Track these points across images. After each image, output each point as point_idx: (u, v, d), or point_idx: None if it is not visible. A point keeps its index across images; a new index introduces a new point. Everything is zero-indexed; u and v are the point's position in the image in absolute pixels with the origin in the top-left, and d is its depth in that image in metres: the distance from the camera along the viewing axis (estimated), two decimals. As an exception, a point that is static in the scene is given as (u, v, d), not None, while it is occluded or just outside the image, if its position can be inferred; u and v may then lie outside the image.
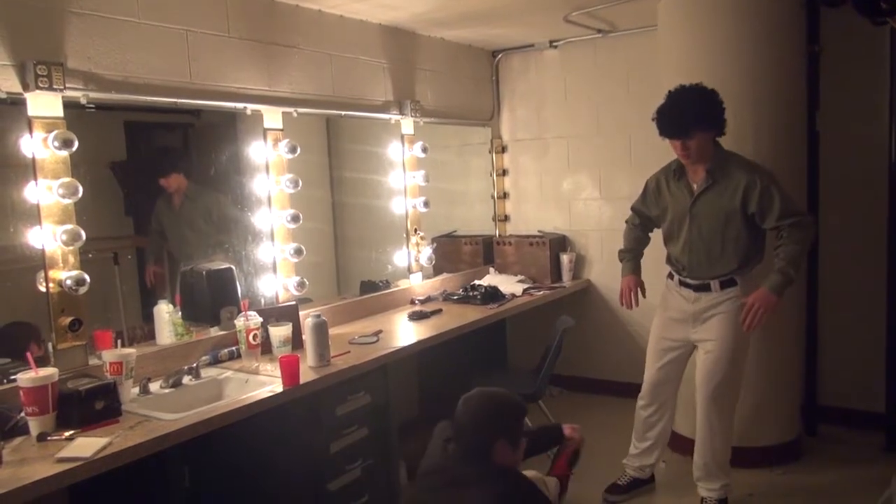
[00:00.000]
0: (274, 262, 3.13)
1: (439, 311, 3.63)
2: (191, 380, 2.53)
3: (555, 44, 4.43)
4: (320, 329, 2.63)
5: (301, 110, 3.23)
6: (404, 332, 3.26)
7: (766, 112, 3.30)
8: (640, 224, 3.25)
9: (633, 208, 3.27)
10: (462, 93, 4.46)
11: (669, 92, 2.85)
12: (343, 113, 3.54)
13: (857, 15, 3.18)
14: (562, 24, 3.91)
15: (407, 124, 3.92)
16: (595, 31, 4.12)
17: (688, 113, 2.77)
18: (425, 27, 3.94)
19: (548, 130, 4.63)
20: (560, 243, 4.53)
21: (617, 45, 4.21)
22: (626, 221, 3.33)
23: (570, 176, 4.55)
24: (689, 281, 2.97)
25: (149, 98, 2.64)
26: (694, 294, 2.96)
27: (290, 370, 2.40)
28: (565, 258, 4.44)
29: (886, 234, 3.51)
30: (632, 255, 3.26)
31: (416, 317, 3.49)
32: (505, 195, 4.84)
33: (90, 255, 2.41)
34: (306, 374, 2.54)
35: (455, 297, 3.91)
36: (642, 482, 3.23)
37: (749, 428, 3.34)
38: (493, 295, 3.85)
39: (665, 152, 3.02)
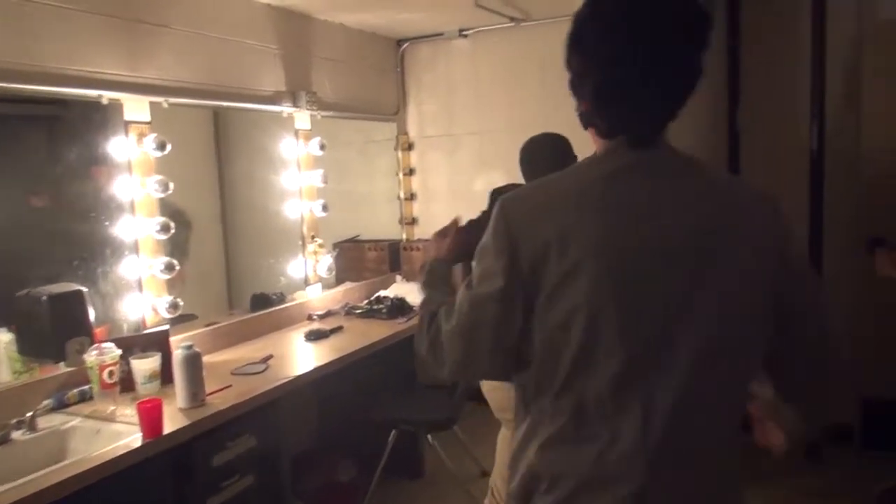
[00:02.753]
0: (140, 280, 2.64)
1: (340, 328, 3.24)
2: (24, 433, 2.02)
3: (465, 32, 4.10)
4: (192, 363, 2.19)
5: (173, 100, 2.75)
6: (299, 357, 2.85)
7: (689, 109, 3.09)
8: None
9: None
10: (364, 85, 4.07)
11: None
12: (225, 104, 3.07)
13: (777, 6, 3.04)
14: (473, 11, 3.58)
15: (302, 118, 3.49)
16: (508, 20, 3.82)
17: None
18: (322, 10, 3.51)
19: (458, 126, 4.30)
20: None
21: (531, 34, 3.93)
22: None
23: (482, 174, 4.23)
24: None
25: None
26: None
27: (150, 419, 1.95)
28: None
29: (808, 236, 3.39)
30: None
31: (314, 336, 3.08)
32: (412, 196, 4.48)
33: None
34: (174, 419, 2.10)
35: (358, 311, 3.52)
36: None
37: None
38: (400, 308, 3.48)
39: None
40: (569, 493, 1.05)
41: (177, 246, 2.82)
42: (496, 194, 2.23)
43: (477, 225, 1.78)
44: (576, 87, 1.10)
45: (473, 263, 1.13)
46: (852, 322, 3.49)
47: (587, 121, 1.11)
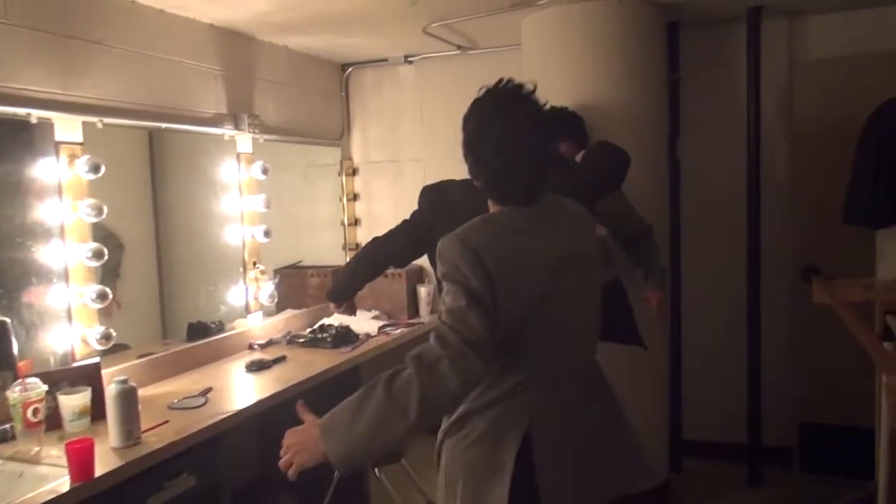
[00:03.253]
0: (69, 309, 2.48)
1: (283, 358, 3.12)
2: (-64, 479, 1.85)
3: (410, 59, 4.10)
4: (126, 398, 2.05)
5: (108, 120, 2.63)
6: (240, 389, 2.73)
7: (634, 139, 3.14)
8: None
9: None
10: (309, 108, 4.00)
11: None
12: (164, 125, 2.95)
13: (715, 40, 3.14)
14: (418, 38, 3.58)
15: (244, 141, 3.40)
16: (454, 48, 3.83)
17: None
18: (266, 32, 3.44)
19: (403, 151, 4.28)
20: (417, 275, 4.17)
21: (477, 62, 3.95)
22: None
23: (427, 201, 4.21)
24: None
25: None
26: None
27: (80, 461, 1.81)
28: (423, 291, 4.08)
29: (746, 266, 3.48)
30: None
31: (255, 367, 2.95)
32: (356, 222, 4.42)
33: None
34: (107, 459, 1.96)
35: (301, 340, 3.41)
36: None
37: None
38: (344, 336, 3.39)
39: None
40: None
41: (109, 270, 2.68)
42: (426, 191, 2.43)
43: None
44: (473, 173, 1.54)
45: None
46: (791, 350, 3.61)
47: (484, 194, 1.55)
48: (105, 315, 2.59)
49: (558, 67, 3.20)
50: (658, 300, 2.87)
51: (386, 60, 4.16)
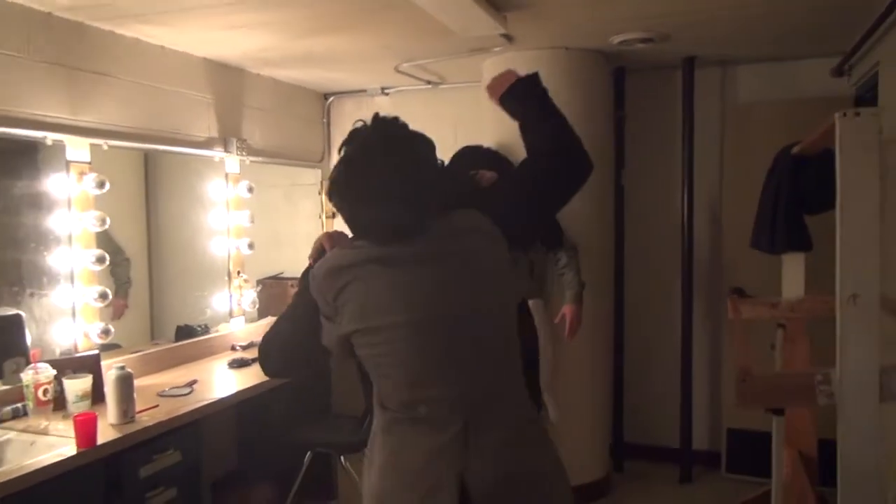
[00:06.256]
0: (74, 307, 2.83)
1: (262, 358, 3.47)
2: (-40, 445, 2.19)
3: (387, 91, 4.50)
4: (124, 382, 2.40)
5: (112, 143, 3.00)
6: (222, 382, 3.07)
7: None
8: None
9: None
10: (292, 133, 4.38)
11: None
12: (161, 147, 3.32)
13: (656, 83, 3.55)
14: (394, 73, 3.98)
15: (232, 162, 3.77)
16: (425, 83, 4.24)
17: None
18: (255, 65, 3.84)
19: (378, 175, 4.65)
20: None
21: (446, 95, 4.36)
22: None
23: (399, 221, 4.59)
24: None
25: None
26: None
27: (85, 430, 2.16)
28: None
29: (680, 284, 3.89)
30: None
31: (237, 364, 3.31)
32: (334, 237, 4.77)
33: None
34: (106, 432, 2.30)
35: (279, 343, 3.75)
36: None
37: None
38: (319, 341, 3.74)
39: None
40: None
41: (122, 283, 3.08)
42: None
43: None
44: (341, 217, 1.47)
45: None
46: (719, 362, 4.01)
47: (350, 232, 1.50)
48: (116, 315, 2.96)
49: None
50: (572, 315, 3.24)
51: (364, 91, 4.56)
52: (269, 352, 1.60)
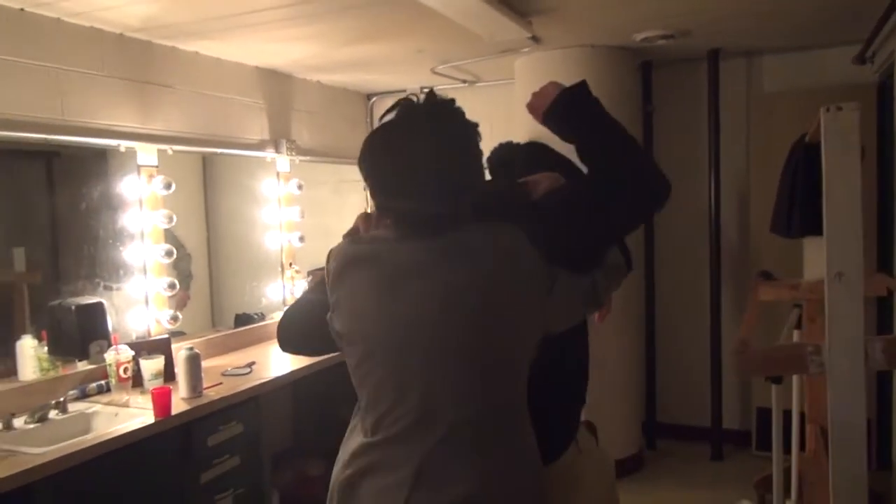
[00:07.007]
0: (146, 296, 3.17)
1: (313, 342, 3.76)
2: (57, 414, 2.53)
3: (425, 90, 4.72)
4: (193, 361, 2.72)
5: (176, 148, 3.32)
6: (278, 363, 3.37)
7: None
8: None
9: None
10: (337, 133, 4.67)
11: None
12: (219, 150, 3.64)
13: (683, 76, 3.70)
14: (431, 74, 4.22)
15: (283, 162, 4.07)
16: (462, 82, 4.47)
17: None
18: (301, 71, 4.13)
19: (419, 170, 4.90)
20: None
21: (482, 93, 4.58)
22: None
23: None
24: None
25: (19, 134, 2.66)
26: None
27: (161, 401, 2.47)
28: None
29: (709, 269, 4.04)
30: None
31: (290, 348, 3.60)
32: (379, 230, 5.05)
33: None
34: (178, 405, 2.62)
35: (329, 329, 4.04)
36: None
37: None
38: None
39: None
40: None
41: (185, 276, 3.41)
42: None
43: None
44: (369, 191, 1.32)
45: None
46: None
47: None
48: (179, 306, 3.29)
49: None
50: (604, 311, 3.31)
51: (405, 91, 4.80)
52: (287, 326, 1.49)
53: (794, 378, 3.12)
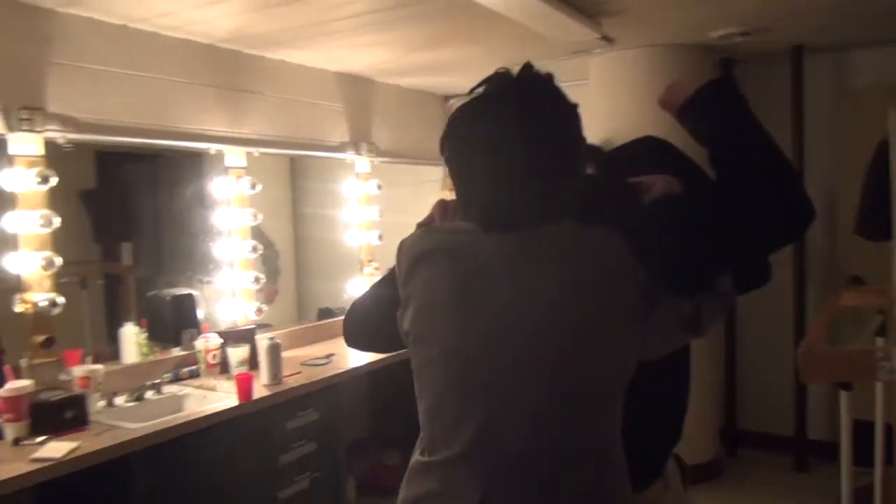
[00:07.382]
0: (234, 289, 3.39)
1: (389, 336, 3.90)
2: (153, 395, 2.76)
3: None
4: (274, 350, 2.89)
5: (262, 150, 3.53)
6: (356, 356, 3.51)
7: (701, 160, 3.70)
8: None
9: None
10: (415, 134, 4.80)
11: None
12: (302, 153, 3.84)
13: (766, 72, 3.59)
14: (506, 76, 4.27)
15: (362, 163, 4.24)
16: (537, 82, 4.49)
17: None
18: (380, 75, 4.28)
19: (496, 170, 4.97)
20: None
21: (557, 94, 4.58)
22: None
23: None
24: None
25: (122, 139, 2.91)
26: None
27: (244, 386, 2.65)
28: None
29: (792, 273, 3.91)
30: None
31: (367, 342, 3.75)
32: (456, 230, 5.14)
33: (63, 280, 2.64)
34: (260, 391, 2.80)
35: (405, 325, 4.17)
36: None
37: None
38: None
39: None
40: None
41: (273, 271, 3.65)
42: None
43: None
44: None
45: None
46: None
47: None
48: (268, 299, 3.51)
49: (622, 103, 3.79)
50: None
51: (482, 92, 4.88)
52: (353, 323, 1.38)
53: (878, 386, 2.98)
